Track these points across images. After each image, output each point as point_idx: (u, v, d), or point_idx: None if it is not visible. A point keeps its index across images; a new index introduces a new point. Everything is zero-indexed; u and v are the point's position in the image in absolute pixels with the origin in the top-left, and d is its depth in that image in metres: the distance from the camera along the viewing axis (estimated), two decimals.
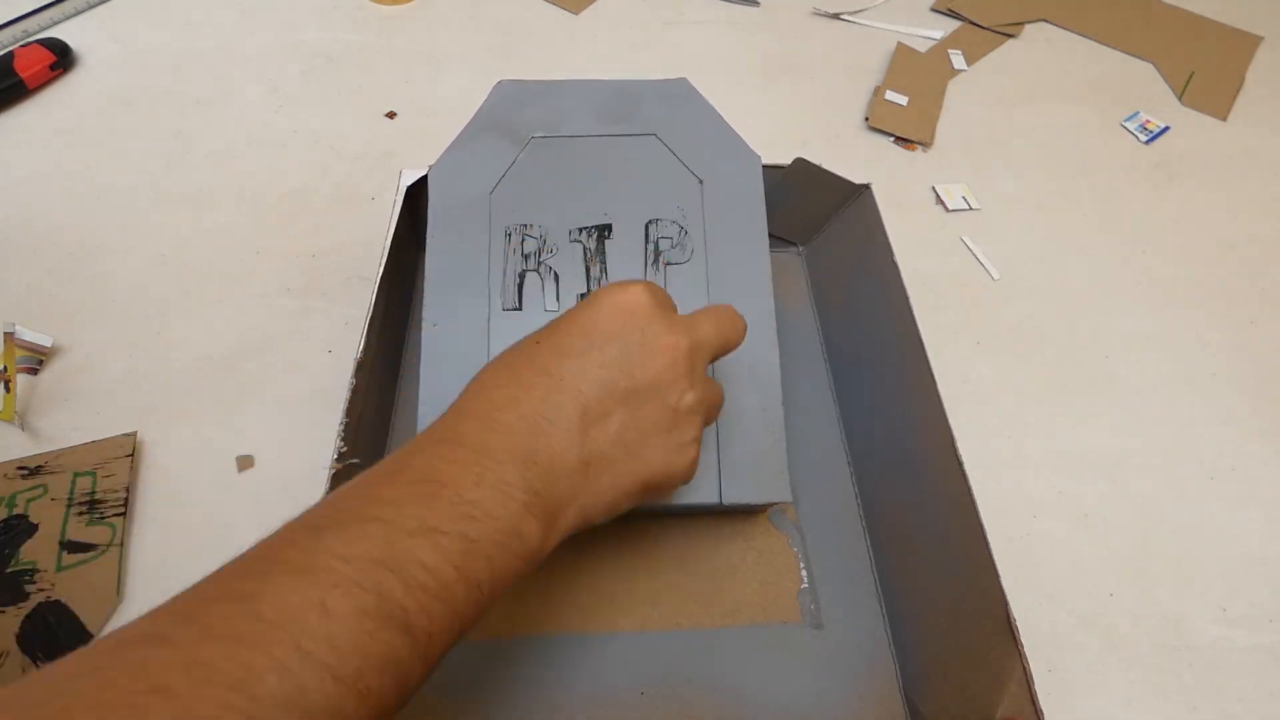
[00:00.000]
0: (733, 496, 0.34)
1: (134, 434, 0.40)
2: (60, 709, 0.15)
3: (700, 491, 0.34)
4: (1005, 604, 0.30)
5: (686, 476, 0.28)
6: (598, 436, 0.24)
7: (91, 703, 0.15)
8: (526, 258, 0.37)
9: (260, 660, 0.17)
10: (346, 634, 0.18)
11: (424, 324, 0.35)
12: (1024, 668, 0.28)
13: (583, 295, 0.37)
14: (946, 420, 0.34)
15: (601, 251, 0.37)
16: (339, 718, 0.17)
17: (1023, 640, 0.29)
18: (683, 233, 0.38)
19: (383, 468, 0.22)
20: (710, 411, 0.29)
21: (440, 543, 0.20)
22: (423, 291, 0.36)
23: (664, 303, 0.27)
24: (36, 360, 0.42)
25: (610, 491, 0.25)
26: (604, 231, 0.38)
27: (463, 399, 0.25)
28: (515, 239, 0.37)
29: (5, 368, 0.41)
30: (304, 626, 0.17)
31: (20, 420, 0.40)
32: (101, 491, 0.38)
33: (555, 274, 0.37)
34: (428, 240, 0.37)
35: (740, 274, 0.37)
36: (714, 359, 0.29)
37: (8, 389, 0.40)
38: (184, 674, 0.16)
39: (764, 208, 0.38)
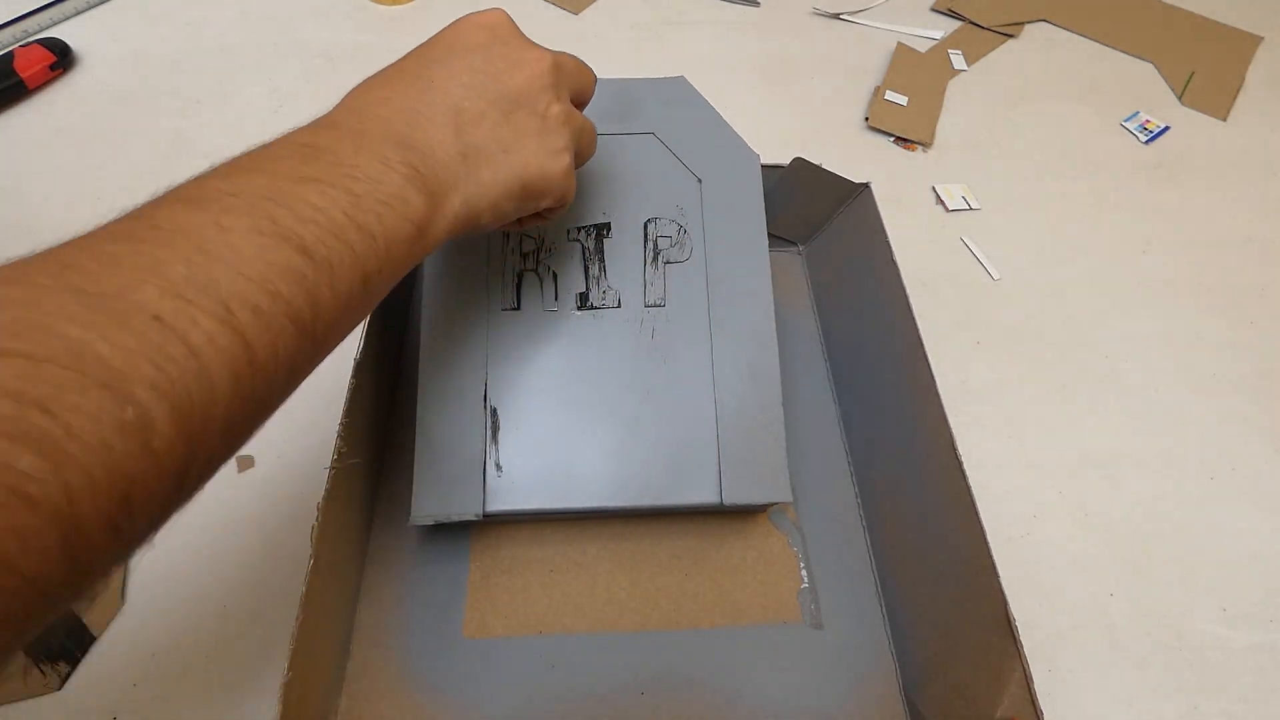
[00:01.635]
0: (733, 497, 0.34)
1: None
2: None
3: (701, 491, 0.34)
4: (1005, 604, 0.30)
5: (563, 188, 0.28)
6: (473, 131, 0.25)
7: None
8: (524, 257, 0.37)
9: (166, 254, 0.17)
10: (245, 243, 0.18)
11: (422, 325, 0.35)
12: (1024, 668, 0.28)
13: (582, 294, 0.37)
14: (946, 420, 0.34)
15: (600, 251, 0.37)
16: (255, 311, 0.18)
17: (1023, 640, 0.29)
18: (682, 231, 0.38)
19: (261, 144, 0.22)
20: (582, 138, 0.29)
21: (325, 191, 0.20)
22: (422, 292, 0.36)
23: (516, 26, 0.28)
24: None
25: (492, 187, 0.26)
26: (603, 230, 0.38)
27: (341, 103, 0.25)
28: (513, 239, 0.37)
29: None
30: (204, 235, 0.18)
31: None
32: None
33: (554, 273, 0.37)
34: None
35: (739, 273, 0.37)
36: (574, 97, 0.29)
37: None
38: (93, 258, 0.17)
39: (763, 206, 0.38)
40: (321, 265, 0.20)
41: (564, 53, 0.29)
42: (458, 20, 0.27)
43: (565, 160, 0.28)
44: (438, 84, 0.25)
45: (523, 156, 0.27)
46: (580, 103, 0.30)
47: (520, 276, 0.37)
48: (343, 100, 0.26)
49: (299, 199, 0.20)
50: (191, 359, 0.17)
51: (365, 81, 0.26)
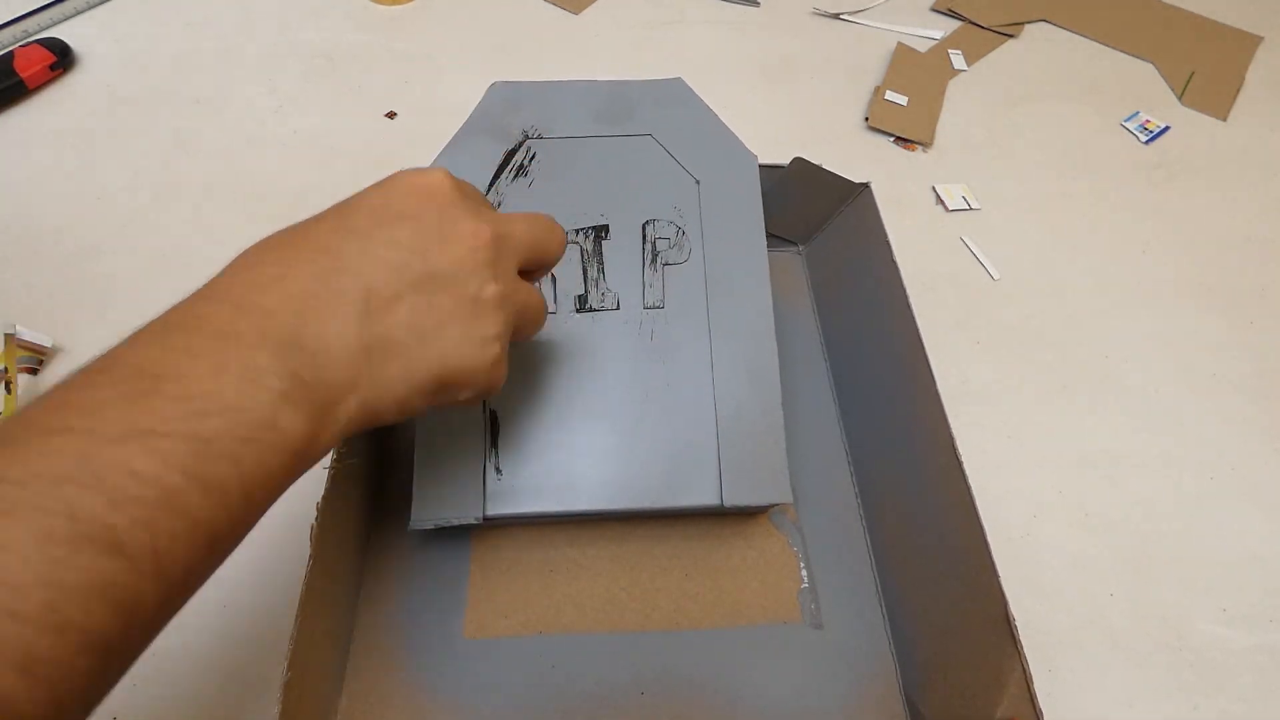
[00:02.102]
0: (733, 498, 0.34)
1: None
2: None
3: (701, 493, 0.34)
4: (1005, 604, 0.30)
5: (489, 379, 0.25)
6: (384, 320, 0.21)
7: None
8: None
9: None
10: (24, 565, 0.15)
11: None
12: (1024, 668, 0.28)
13: (581, 296, 0.37)
14: (946, 420, 0.34)
15: (599, 252, 0.37)
16: (34, 659, 0.14)
17: (1023, 640, 0.29)
18: (680, 233, 0.38)
19: (91, 366, 0.18)
20: (525, 315, 0.26)
21: (158, 446, 0.17)
22: None
23: (468, 193, 0.25)
24: (37, 360, 0.42)
25: (400, 383, 0.22)
26: (601, 232, 0.37)
27: (214, 280, 0.21)
28: None
29: (6, 368, 0.41)
30: None
31: None
32: None
33: (552, 276, 0.37)
34: None
35: (738, 274, 0.37)
36: (528, 266, 0.26)
37: (9, 390, 0.40)
38: None
39: (760, 207, 0.38)
40: (142, 557, 0.16)
41: (520, 219, 0.26)
42: (391, 179, 0.24)
43: (494, 350, 0.24)
44: (349, 261, 0.21)
45: (441, 347, 0.23)
46: (539, 269, 0.27)
47: None
48: (230, 266, 0.21)
49: (117, 468, 0.16)
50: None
51: (263, 243, 0.22)
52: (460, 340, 0.23)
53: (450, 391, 0.24)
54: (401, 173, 0.24)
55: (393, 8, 0.66)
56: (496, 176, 0.38)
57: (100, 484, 0.16)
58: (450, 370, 0.23)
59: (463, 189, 0.24)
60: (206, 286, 0.21)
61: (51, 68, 0.57)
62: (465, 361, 0.23)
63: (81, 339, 0.44)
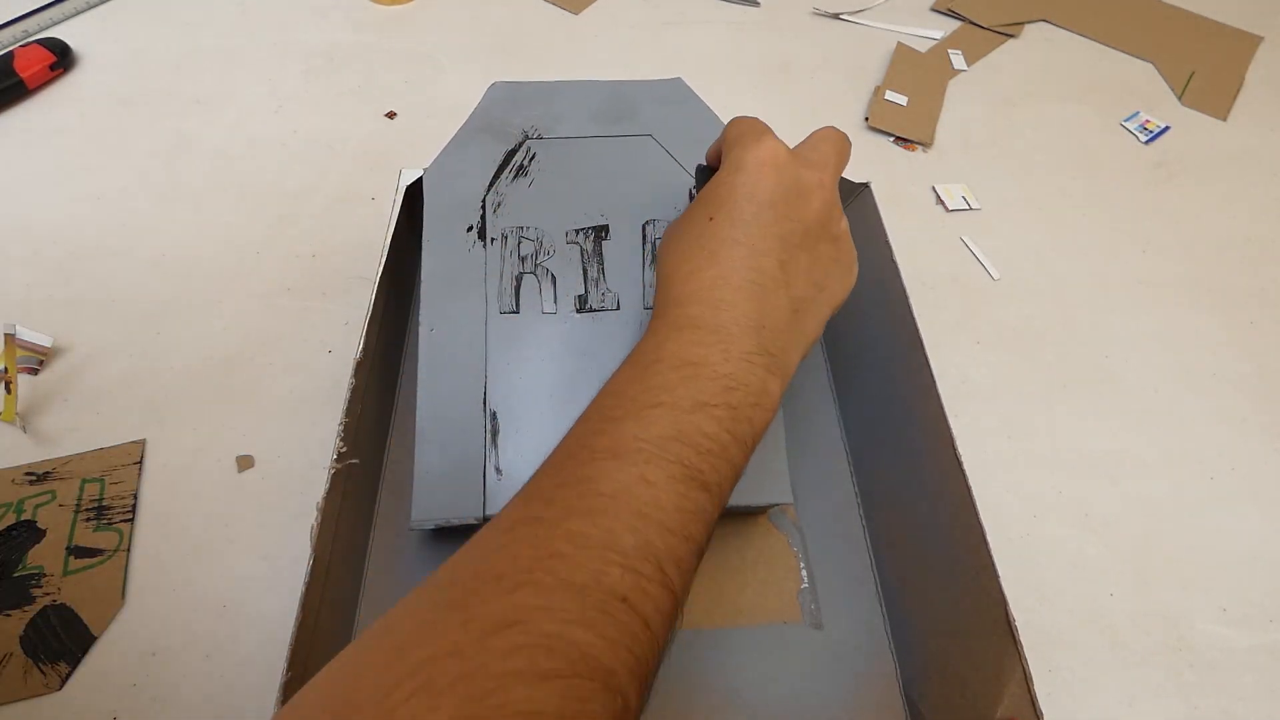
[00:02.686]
0: (733, 498, 0.34)
1: (142, 441, 0.40)
2: (492, 575, 0.19)
3: None
4: (1005, 604, 0.30)
5: (851, 288, 0.30)
6: (797, 283, 0.27)
7: (510, 568, 0.20)
8: (523, 260, 0.37)
9: (615, 524, 0.21)
10: (668, 496, 0.22)
11: (421, 329, 0.35)
12: (1024, 668, 0.28)
13: (581, 297, 0.37)
14: (946, 420, 0.34)
15: (599, 253, 0.37)
16: (678, 563, 0.21)
17: (1023, 640, 0.29)
18: None
19: (641, 359, 0.25)
20: (846, 236, 0.31)
21: (713, 414, 0.23)
22: (420, 295, 0.36)
23: (787, 146, 0.28)
24: (37, 360, 0.42)
25: (815, 331, 0.28)
26: (601, 232, 0.37)
27: (673, 286, 0.27)
28: (511, 241, 0.37)
29: (6, 369, 0.41)
30: (636, 495, 0.21)
31: (22, 421, 0.40)
32: (109, 498, 0.38)
33: (553, 276, 0.37)
34: (423, 244, 0.37)
35: None
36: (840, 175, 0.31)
37: (9, 390, 0.40)
38: (566, 542, 0.20)
39: None
40: (715, 493, 0.23)
41: (827, 144, 0.29)
42: (740, 159, 0.27)
43: (857, 269, 0.30)
44: (758, 244, 0.26)
45: (832, 288, 0.29)
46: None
47: (519, 279, 0.37)
48: (673, 282, 0.27)
49: (696, 431, 0.23)
50: (647, 631, 0.20)
51: (681, 255, 0.27)
52: (841, 275, 0.29)
53: (835, 311, 0.30)
54: (742, 152, 0.28)
55: (393, 8, 0.66)
56: (496, 176, 0.38)
57: (690, 441, 0.23)
58: (838, 301, 0.29)
59: (787, 148, 0.28)
60: (673, 294, 0.26)
61: (51, 68, 0.57)
62: (845, 290, 0.30)
63: (81, 339, 0.44)
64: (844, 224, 0.30)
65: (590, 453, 0.23)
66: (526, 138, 0.38)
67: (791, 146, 0.29)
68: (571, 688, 0.17)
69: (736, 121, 0.30)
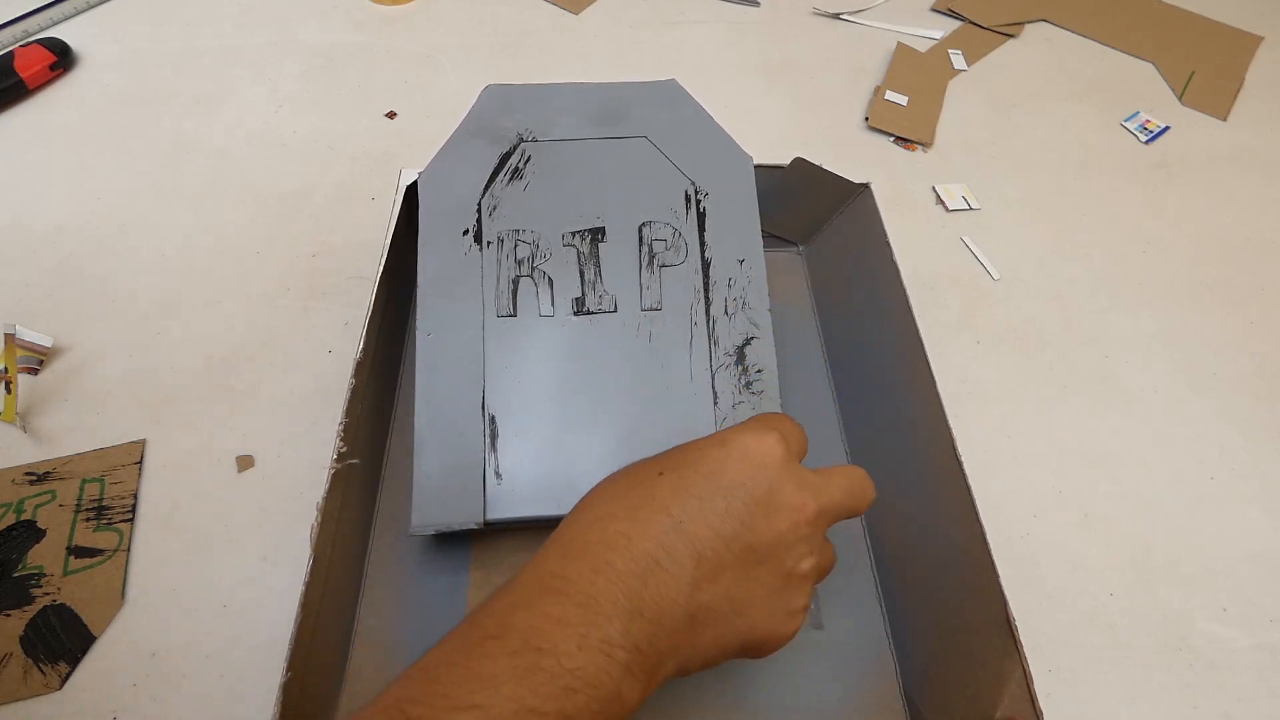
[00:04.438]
0: None
1: (142, 441, 0.40)
2: None
3: None
4: (1005, 604, 0.30)
5: (786, 642, 0.26)
6: (709, 590, 0.23)
7: None
8: (519, 263, 0.37)
9: None
10: None
11: (418, 334, 0.35)
12: (1024, 668, 0.28)
13: (578, 299, 0.37)
14: (946, 420, 0.34)
15: (595, 255, 0.37)
16: None
17: (1023, 640, 0.29)
18: (676, 235, 0.38)
19: (483, 625, 0.22)
20: (824, 572, 0.27)
21: None
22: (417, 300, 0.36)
23: (795, 454, 0.26)
24: (37, 360, 0.42)
25: (712, 647, 0.24)
26: (597, 235, 0.37)
27: (573, 526, 0.24)
28: (508, 244, 0.37)
29: (6, 369, 0.41)
30: None
31: (21, 421, 0.40)
32: (109, 498, 0.38)
33: (549, 279, 0.37)
34: (419, 248, 0.36)
35: (735, 274, 0.37)
36: (838, 520, 0.27)
37: (9, 390, 0.40)
38: None
39: (756, 207, 0.38)
40: None
41: (839, 481, 0.26)
42: (729, 441, 0.25)
43: (799, 621, 0.26)
44: (686, 525, 0.23)
45: (752, 618, 0.24)
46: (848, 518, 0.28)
47: (516, 283, 0.37)
48: (583, 515, 0.24)
49: None
50: None
51: (612, 489, 0.25)
52: (771, 612, 0.25)
53: (751, 653, 0.26)
54: (737, 433, 0.25)
55: (393, 8, 0.66)
56: (492, 180, 0.38)
57: None
58: (757, 638, 0.25)
59: (791, 450, 0.26)
60: (567, 536, 0.24)
61: (51, 68, 0.57)
62: (772, 631, 0.25)
63: (81, 339, 0.44)
64: (808, 564, 0.25)
65: None
66: (521, 140, 0.38)
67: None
68: None
69: (767, 416, 0.27)
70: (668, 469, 0.25)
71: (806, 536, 0.25)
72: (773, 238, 0.49)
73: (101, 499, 0.38)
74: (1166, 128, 0.61)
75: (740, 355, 0.36)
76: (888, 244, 0.40)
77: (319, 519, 0.30)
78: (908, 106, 0.60)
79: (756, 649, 0.25)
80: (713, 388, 0.36)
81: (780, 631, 0.25)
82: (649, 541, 0.23)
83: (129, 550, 0.37)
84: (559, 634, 0.21)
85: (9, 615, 0.35)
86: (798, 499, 0.25)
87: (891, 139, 0.59)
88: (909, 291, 0.38)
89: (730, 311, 0.37)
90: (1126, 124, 0.61)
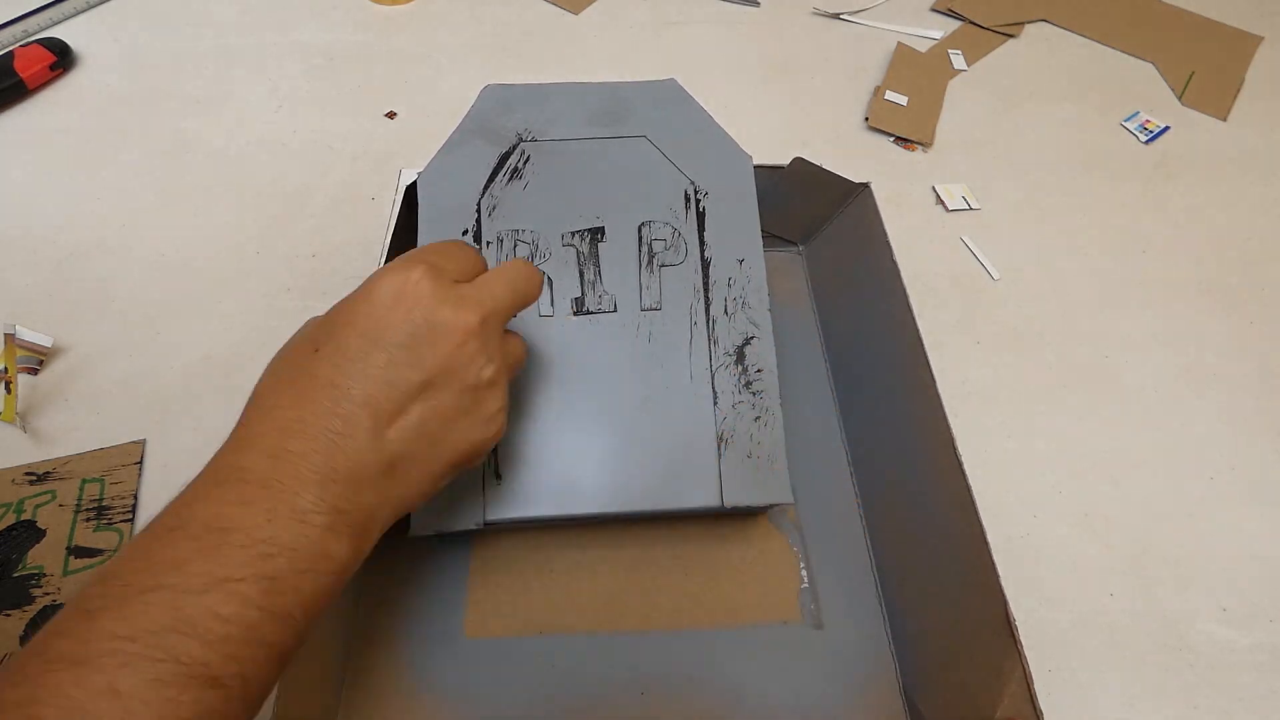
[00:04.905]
0: (734, 499, 0.34)
1: (142, 442, 0.40)
2: None
3: (701, 495, 0.34)
4: (1005, 604, 0.30)
5: (495, 442, 0.27)
6: (398, 437, 0.24)
7: None
8: None
9: None
10: (145, 708, 0.17)
11: None
12: (1024, 668, 0.28)
13: (577, 299, 0.37)
14: (946, 420, 0.34)
15: (595, 255, 0.37)
16: None
17: (1023, 640, 0.29)
18: (676, 234, 0.38)
19: (162, 522, 0.21)
20: (515, 365, 0.29)
21: (236, 590, 0.19)
22: None
23: (444, 275, 0.25)
24: (37, 360, 0.42)
25: (422, 481, 0.25)
26: (596, 235, 0.37)
27: (245, 424, 0.23)
28: (507, 244, 0.37)
29: (6, 369, 0.41)
30: (95, 716, 0.17)
31: (21, 421, 0.40)
32: (109, 498, 0.38)
33: (549, 279, 0.37)
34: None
35: (735, 274, 0.37)
36: (512, 315, 0.28)
37: (9, 390, 0.40)
38: None
39: (756, 207, 0.38)
40: (234, 685, 0.19)
41: (499, 280, 0.27)
42: (371, 287, 0.24)
43: (499, 420, 0.27)
44: (355, 390, 0.23)
45: (453, 440, 0.25)
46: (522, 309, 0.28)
47: None
48: (252, 410, 0.24)
49: (206, 614, 0.19)
50: None
51: (275, 380, 0.24)
52: (468, 428, 0.26)
53: (465, 466, 0.27)
54: (380, 278, 0.25)
55: (393, 8, 0.66)
56: (491, 180, 0.38)
57: (194, 629, 0.19)
58: (463, 454, 0.26)
59: (438, 274, 0.25)
60: (239, 434, 0.23)
61: (51, 68, 0.57)
62: (475, 443, 0.26)
63: (81, 339, 0.44)
64: (489, 371, 0.26)
65: (44, 662, 0.18)
66: (520, 140, 0.38)
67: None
68: None
69: (417, 250, 0.27)
70: (322, 342, 0.24)
71: (480, 349, 0.25)
72: (773, 238, 0.49)
73: (101, 499, 0.38)
74: (1166, 128, 0.61)
75: (740, 355, 0.36)
76: (888, 244, 0.40)
77: None
78: (908, 106, 0.60)
79: (467, 462, 0.26)
80: (712, 387, 0.36)
81: (483, 437, 0.26)
82: (321, 418, 0.23)
83: None
84: (243, 514, 0.21)
85: (9, 615, 0.35)
86: (457, 318, 0.25)
87: (891, 139, 0.59)
88: (909, 291, 0.38)
89: (730, 311, 0.37)
90: (1126, 124, 0.61)
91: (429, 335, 0.24)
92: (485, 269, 0.28)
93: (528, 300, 0.28)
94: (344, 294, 0.49)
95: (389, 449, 0.23)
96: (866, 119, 0.59)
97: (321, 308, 0.47)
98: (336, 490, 0.22)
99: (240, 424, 0.24)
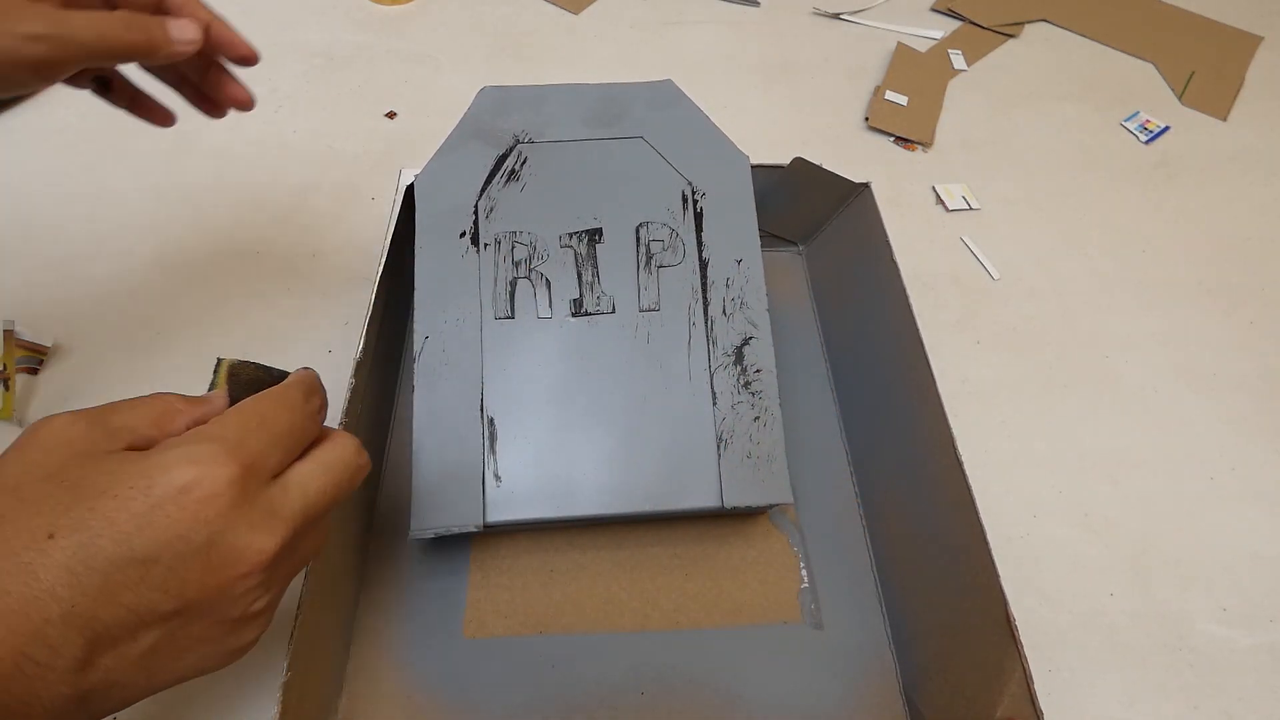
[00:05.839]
0: (734, 499, 0.34)
1: None
2: None
3: (701, 495, 0.34)
4: (1005, 604, 0.30)
5: (234, 660, 0.22)
6: (109, 665, 0.19)
7: None
8: (517, 265, 0.37)
9: None
10: None
11: (415, 337, 0.35)
12: (1024, 668, 0.28)
13: (576, 301, 0.37)
14: (946, 420, 0.34)
15: (593, 256, 0.37)
16: None
17: (1023, 640, 0.29)
18: (673, 235, 0.38)
19: None
20: (298, 569, 0.23)
21: None
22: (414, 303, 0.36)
23: (258, 473, 0.20)
24: (36, 360, 0.42)
25: (118, 704, 0.20)
26: (594, 236, 0.37)
27: None
28: (505, 246, 0.37)
29: (5, 367, 0.41)
30: None
31: (20, 420, 0.40)
32: None
33: (547, 280, 0.37)
34: (416, 251, 0.36)
35: (733, 274, 0.37)
36: (317, 524, 0.23)
37: (7, 388, 0.40)
38: None
39: (754, 207, 0.38)
40: None
41: (317, 474, 0.22)
42: (161, 477, 0.19)
43: (245, 650, 0.22)
44: (80, 607, 0.18)
45: (177, 671, 0.20)
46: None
47: (513, 284, 0.37)
48: None
49: None
50: None
51: None
52: (204, 657, 0.21)
53: (188, 679, 0.22)
54: (169, 471, 0.19)
55: (393, 8, 0.66)
56: (488, 181, 0.38)
57: None
58: (183, 679, 0.21)
59: (251, 478, 0.20)
60: None
61: None
62: (205, 670, 0.21)
63: (81, 339, 0.44)
64: (262, 603, 0.21)
65: None
66: (518, 142, 0.38)
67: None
68: None
69: (217, 422, 0.21)
70: (61, 530, 0.18)
71: (262, 581, 0.20)
72: (773, 238, 0.49)
73: None
74: (1166, 128, 0.61)
75: (739, 355, 0.36)
76: (888, 244, 0.40)
77: None
78: (908, 106, 0.60)
79: (192, 678, 0.21)
80: (711, 388, 0.36)
81: (218, 665, 0.22)
82: (20, 637, 0.17)
83: None
84: None
85: None
86: (251, 545, 0.20)
87: (891, 139, 0.59)
88: (909, 291, 0.38)
89: (728, 311, 0.37)
90: (1126, 124, 0.61)
91: (207, 561, 0.19)
92: (317, 424, 0.23)
93: (346, 494, 0.23)
94: (344, 294, 0.48)
95: (92, 679, 0.18)
96: (866, 119, 0.59)
97: (321, 308, 0.47)
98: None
99: None
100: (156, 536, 0.18)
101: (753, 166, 0.39)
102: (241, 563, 0.20)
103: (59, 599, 0.17)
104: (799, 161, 0.43)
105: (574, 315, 0.36)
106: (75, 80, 0.32)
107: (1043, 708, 0.27)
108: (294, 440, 0.22)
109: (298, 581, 0.29)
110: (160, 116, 0.36)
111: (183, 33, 0.29)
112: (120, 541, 0.18)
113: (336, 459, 0.23)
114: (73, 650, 0.18)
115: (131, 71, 0.32)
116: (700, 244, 0.38)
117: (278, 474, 0.21)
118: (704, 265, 0.37)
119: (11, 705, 0.17)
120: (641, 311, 0.37)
